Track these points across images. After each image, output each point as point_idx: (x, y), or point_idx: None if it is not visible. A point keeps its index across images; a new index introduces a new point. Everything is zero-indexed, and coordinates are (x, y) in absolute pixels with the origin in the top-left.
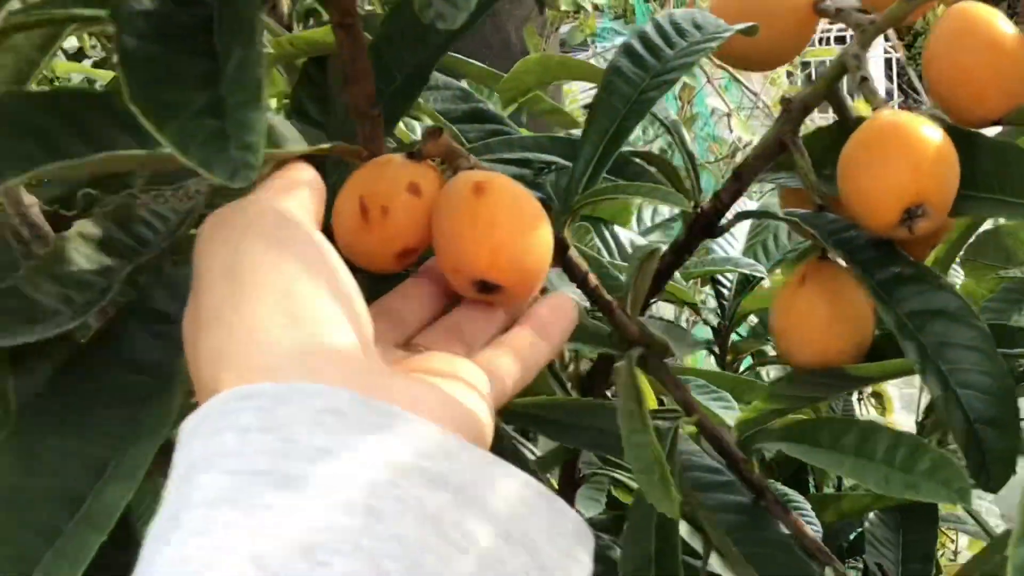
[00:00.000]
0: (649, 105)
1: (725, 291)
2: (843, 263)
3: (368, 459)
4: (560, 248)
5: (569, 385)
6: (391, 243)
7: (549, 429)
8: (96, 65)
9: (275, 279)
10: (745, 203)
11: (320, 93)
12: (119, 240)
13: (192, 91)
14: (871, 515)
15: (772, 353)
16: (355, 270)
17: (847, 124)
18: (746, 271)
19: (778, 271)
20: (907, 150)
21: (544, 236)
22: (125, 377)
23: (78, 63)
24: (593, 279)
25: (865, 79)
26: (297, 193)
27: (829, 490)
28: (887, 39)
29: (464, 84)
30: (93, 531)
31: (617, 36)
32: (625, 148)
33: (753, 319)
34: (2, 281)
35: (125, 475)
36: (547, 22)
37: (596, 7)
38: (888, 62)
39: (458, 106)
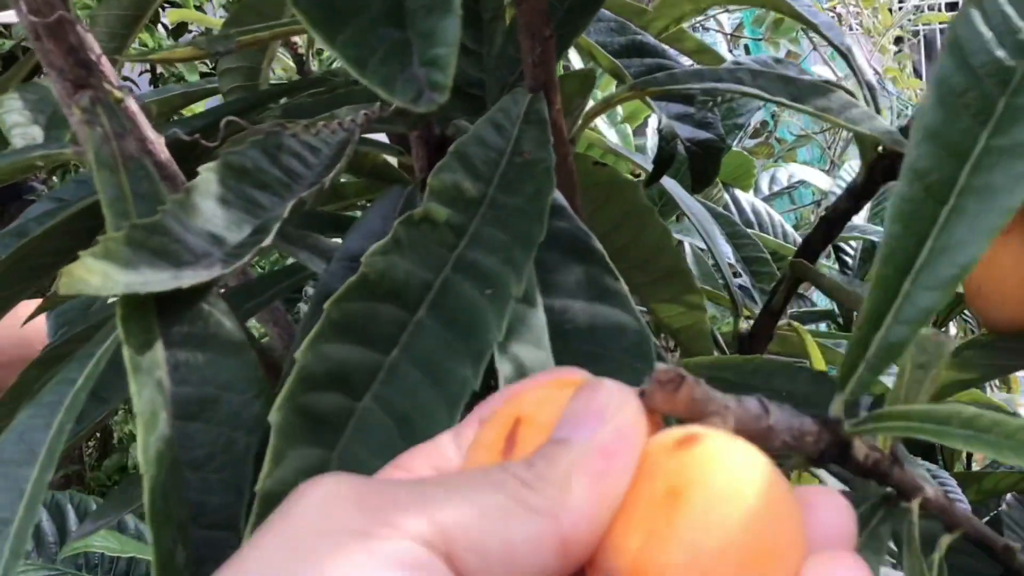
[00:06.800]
0: None
1: (849, 260)
2: None
3: None
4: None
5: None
6: None
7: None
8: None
9: None
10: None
11: (471, 16)
12: (269, 173)
13: None
14: (1008, 497)
15: None
16: None
17: None
18: (872, 238)
19: None
20: None
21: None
22: None
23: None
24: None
25: None
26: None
27: (959, 467)
28: None
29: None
30: None
31: None
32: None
33: None
34: (147, 216)
35: None
36: None
37: None
38: None
39: (614, 39)
